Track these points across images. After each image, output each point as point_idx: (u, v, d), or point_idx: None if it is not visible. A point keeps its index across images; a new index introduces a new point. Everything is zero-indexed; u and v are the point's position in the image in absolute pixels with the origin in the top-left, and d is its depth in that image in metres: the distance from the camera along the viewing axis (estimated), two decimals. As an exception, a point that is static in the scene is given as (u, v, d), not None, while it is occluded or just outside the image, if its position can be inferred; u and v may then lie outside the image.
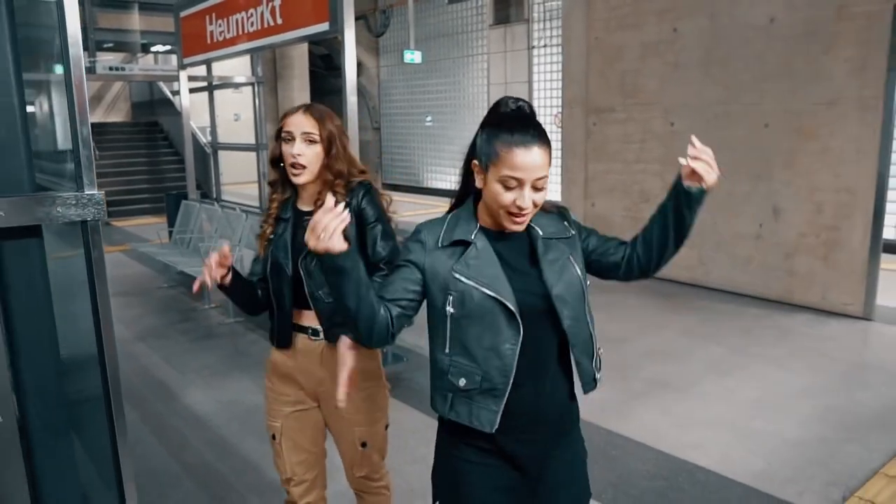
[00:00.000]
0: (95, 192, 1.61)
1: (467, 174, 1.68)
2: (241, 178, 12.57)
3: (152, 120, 16.46)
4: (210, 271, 1.98)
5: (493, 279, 1.57)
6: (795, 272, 5.94)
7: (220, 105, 9.91)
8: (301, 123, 2.09)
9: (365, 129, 20.15)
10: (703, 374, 4.60)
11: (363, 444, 2.27)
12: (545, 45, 13.00)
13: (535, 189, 1.53)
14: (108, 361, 1.67)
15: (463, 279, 1.58)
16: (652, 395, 4.29)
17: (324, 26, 4.86)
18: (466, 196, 1.70)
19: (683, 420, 3.95)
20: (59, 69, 1.77)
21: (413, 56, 12.62)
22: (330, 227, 1.44)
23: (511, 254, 1.63)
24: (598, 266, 1.73)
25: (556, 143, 11.27)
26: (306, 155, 2.07)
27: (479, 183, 1.60)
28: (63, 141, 1.95)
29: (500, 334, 1.57)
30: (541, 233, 1.65)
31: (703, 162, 1.53)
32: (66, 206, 1.57)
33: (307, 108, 2.12)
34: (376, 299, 1.56)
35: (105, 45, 13.06)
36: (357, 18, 16.80)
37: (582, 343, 1.65)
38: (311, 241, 1.45)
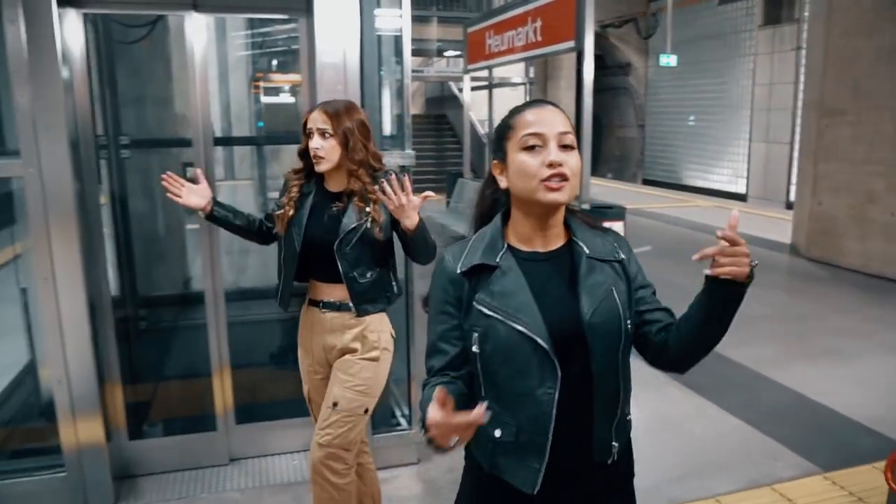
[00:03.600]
0: (411, 150, 3.23)
1: (487, 192, 1.51)
2: (507, 165, 14.27)
3: (441, 113, 19.09)
4: (171, 183, 2.31)
5: (520, 309, 1.34)
6: None
7: (499, 100, 11.66)
8: (317, 120, 2.25)
9: (630, 126, 21.06)
10: (873, 351, 5.16)
11: (334, 404, 2.32)
12: (812, 46, 12.88)
13: (564, 148, 1.32)
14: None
15: (486, 311, 1.35)
16: (814, 358, 5.01)
17: (570, 43, 6.25)
18: (491, 216, 1.48)
19: (831, 378, 4.66)
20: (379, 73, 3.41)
21: (668, 60, 13.33)
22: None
23: (545, 276, 1.39)
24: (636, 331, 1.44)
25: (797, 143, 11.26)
26: (323, 147, 2.24)
27: (503, 183, 1.40)
28: (387, 124, 3.61)
29: (534, 377, 1.33)
30: (586, 250, 1.40)
31: (731, 258, 1.23)
32: (400, 157, 3.20)
33: (324, 106, 2.29)
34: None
35: (408, 50, 15.76)
36: (627, 21, 17.90)
37: (604, 395, 1.38)
38: None
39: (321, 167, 2.28)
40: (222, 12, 3.29)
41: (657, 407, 4.11)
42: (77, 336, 2.82)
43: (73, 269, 2.76)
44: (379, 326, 2.40)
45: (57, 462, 2.97)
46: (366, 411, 2.37)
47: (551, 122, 1.33)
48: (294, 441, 3.47)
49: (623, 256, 1.44)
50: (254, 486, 3.21)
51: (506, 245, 1.40)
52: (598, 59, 20.92)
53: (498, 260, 1.38)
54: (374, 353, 2.37)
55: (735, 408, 4.11)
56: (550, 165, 1.30)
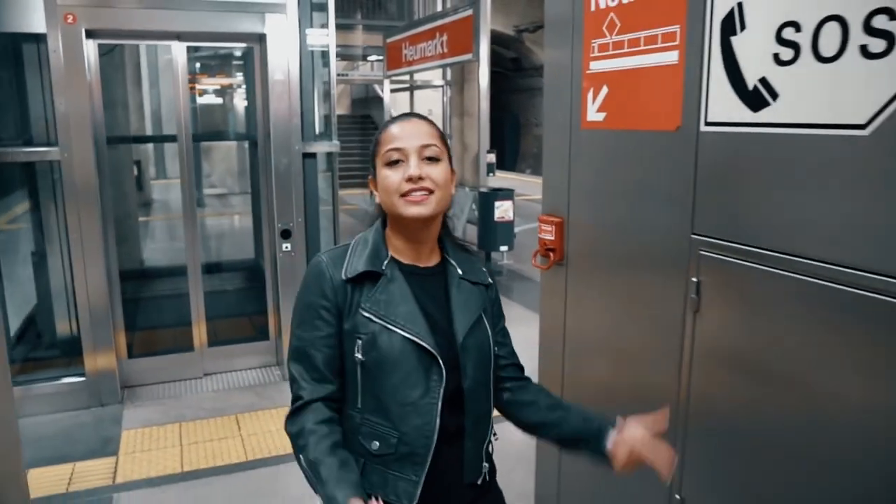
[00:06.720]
0: (336, 141, 4.45)
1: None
2: (429, 161, 15.32)
3: (366, 113, 20.14)
4: None
5: (408, 318, 1.32)
6: None
7: (420, 101, 12.73)
8: None
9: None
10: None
11: None
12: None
13: (427, 160, 1.32)
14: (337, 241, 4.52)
15: (373, 318, 1.32)
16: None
17: (469, 55, 7.59)
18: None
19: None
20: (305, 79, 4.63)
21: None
22: None
23: (424, 291, 1.39)
24: None
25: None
26: None
27: (376, 197, 1.39)
28: (317, 119, 4.79)
29: (420, 385, 1.31)
30: (459, 271, 1.43)
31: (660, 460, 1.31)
32: (327, 145, 4.42)
33: None
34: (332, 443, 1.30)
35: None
36: (541, 26, 19.16)
37: (475, 416, 1.39)
38: None
39: None
40: (197, 41, 4.41)
41: (527, 335, 5.45)
42: (96, 275, 3.93)
43: (94, 228, 3.87)
44: None
45: (78, 372, 4.06)
46: None
47: (413, 135, 1.32)
48: (252, 360, 4.66)
49: (490, 281, 1.50)
50: (224, 389, 4.37)
51: (389, 254, 1.39)
52: (515, 62, 22.45)
53: (383, 267, 1.36)
54: None
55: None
56: (410, 179, 1.29)
